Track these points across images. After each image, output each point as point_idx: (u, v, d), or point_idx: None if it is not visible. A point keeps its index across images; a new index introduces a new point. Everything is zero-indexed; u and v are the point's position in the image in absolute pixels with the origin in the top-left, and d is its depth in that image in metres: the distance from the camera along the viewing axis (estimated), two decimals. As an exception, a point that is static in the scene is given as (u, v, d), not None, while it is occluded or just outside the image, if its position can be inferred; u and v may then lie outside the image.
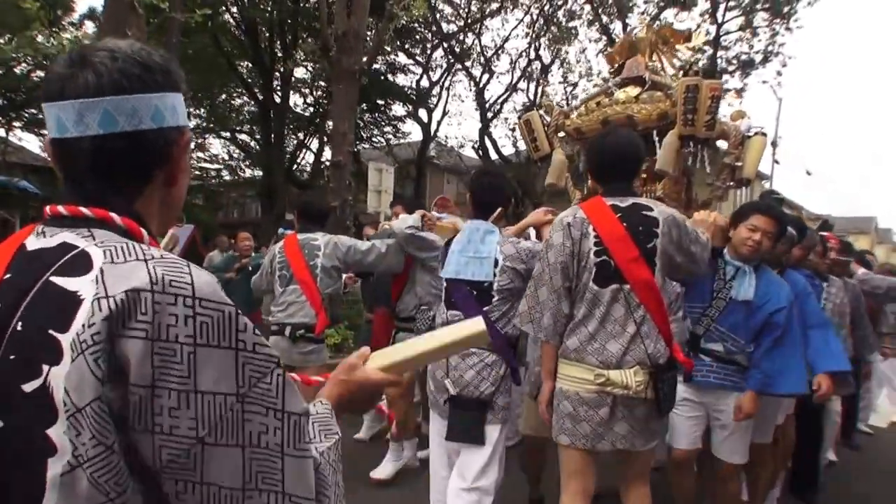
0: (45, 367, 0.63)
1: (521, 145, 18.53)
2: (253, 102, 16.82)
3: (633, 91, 4.02)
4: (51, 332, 0.64)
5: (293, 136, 18.20)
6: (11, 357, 0.65)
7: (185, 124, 0.82)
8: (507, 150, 19.00)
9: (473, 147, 19.46)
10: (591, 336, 2.14)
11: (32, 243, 0.73)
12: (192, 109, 15.09)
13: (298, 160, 18.82)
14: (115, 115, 0.73)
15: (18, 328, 0.66)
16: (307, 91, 17.65)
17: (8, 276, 0.70)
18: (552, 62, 17.70)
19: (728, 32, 14.91)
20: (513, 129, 18.50)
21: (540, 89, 17.23)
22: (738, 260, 2.71)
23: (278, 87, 15.97)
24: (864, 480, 4.30)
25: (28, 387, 0.63)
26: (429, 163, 19.62)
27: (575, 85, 17.54)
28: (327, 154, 13.68)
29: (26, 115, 14.77)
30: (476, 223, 2.63)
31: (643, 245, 2.12)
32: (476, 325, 1.01)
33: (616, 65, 4.31)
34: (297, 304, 3.29)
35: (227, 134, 18.69)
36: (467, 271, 2.52)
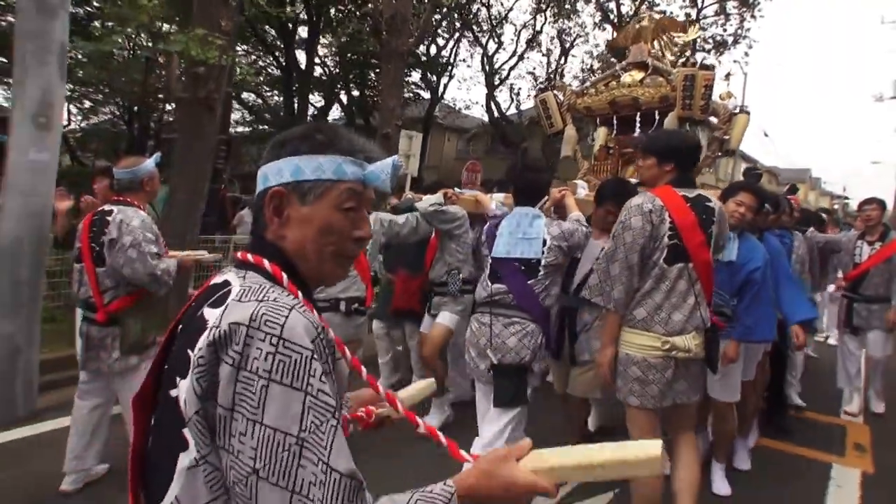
0: (179, 380, 0.73)
1: (524, 107, 18.80)
2: (275, 64, 16.65)
3: (637, 75, 4.43)
4: (188, 351, 0.73)
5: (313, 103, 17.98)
6: (166, 367, 0.79)
7: (287, 181, 0.85)
8: (511, 112, 19.28)
9: (482, 106, 19.63)
10: (658, 307, 2.33)
11: (215, 279, 0.85)
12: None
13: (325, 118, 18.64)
14: (259, 179, 0.90)
15: (174, 347, 0.78)
16: (331, 57, 17.46)
17: (193, 304, 0.83)
18: (568, 49, 17.87)
19: (705, 17, 16.93)
20: (517, 94, 19.14)
21: (554, 69, 17.59)
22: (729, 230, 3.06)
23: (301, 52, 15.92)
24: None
25: (173, 392, 0.73)
26: (433, 122, 19.76)
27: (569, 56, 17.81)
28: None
29: None
30: (524, 209, 2.84)
31: (706, 230, 2.37)
32: (651, 450, 0.81)
33: (616, 49, 4.70)
34: (349, 278, 3.22)
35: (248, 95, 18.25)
36: (517, 250, 2.75)
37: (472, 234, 3.83)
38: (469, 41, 18.38)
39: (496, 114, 18.46)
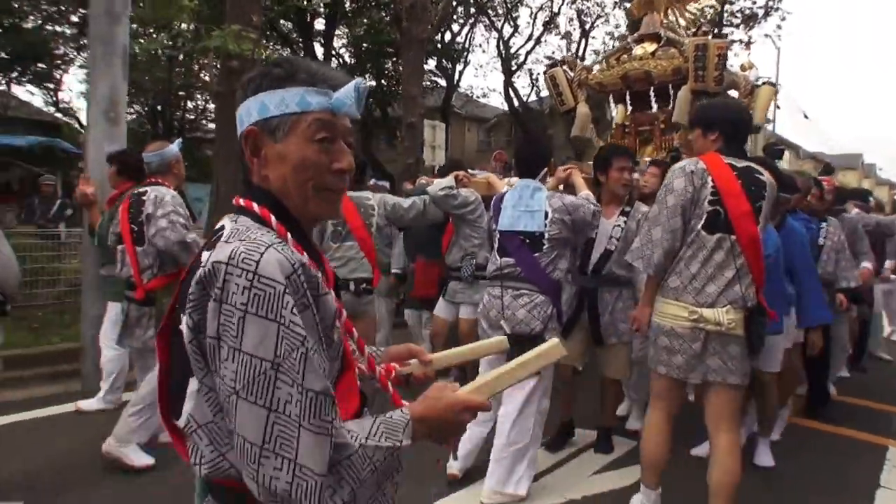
0: (183, 316, 0.79)
1: (544, 94, 18.41)
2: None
3: (650, 47, 4.22)
4: (189, 290, 0.79)
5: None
6: (177, 306, 0.84)
7: (255, 119, 0.86)
8: (531, 99, 18.91)
9: (500, 94, 19.29)
10: (693, 277, 2.23)
11: (217, 225, 0.89)
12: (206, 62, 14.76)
13: None
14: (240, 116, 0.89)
15: (183, 287, 0.83)
16: (346, 49, 17.38)
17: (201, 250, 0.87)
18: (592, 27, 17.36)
19: (734, -12, 15.61)
20: (536, 80, 18.43)
21: (574, 52, 17.02)
22: None
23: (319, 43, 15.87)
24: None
25: (182, 326, 0.79)
26: (451, 112, 19.58)
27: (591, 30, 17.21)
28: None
29: (32, 69, 14.30)
30: (525, 181, 2.81)
31: (754, 203, 2.21)
32: (551, 343, 1.07)
33: (634, 22, 4.50)
34: (356, 259, 3.30)
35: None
36: (520, 223, 2.71)
37: (487, 217, 3.68)
38: (485, 25, 17.98)
39: (515, 101, 18.12)
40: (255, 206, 0.86)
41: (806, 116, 23.45)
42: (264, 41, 15.73)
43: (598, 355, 3.17)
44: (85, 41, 15.52)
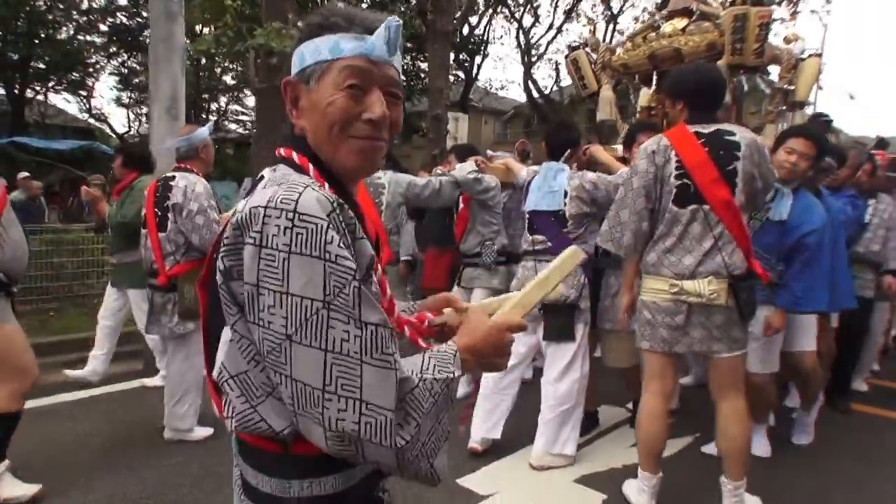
0: (218, 262, 0.74)
1: (564, 84, 17.77)
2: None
3: (679, 23, 3.77)
4: (224, 236, 0.75)
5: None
6: (215, 255, 0.78)
7: (294, 72, 0.83)
8: (551, 90, 18.32)
9: (518, 85, 18.78)
10: (668, 251, 2.18)
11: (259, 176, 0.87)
12: (228, 65, 14.79)
13: None
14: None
15: (220, 235, 0.78)
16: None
17: None
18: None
19: (775, -42, 13.99)
20: (556, 70, 17.83)
21: (589, 31, 16.27)
22: (777, 182, 2.58)
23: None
24: None
25: (217, 277, 0.74)
26: (469, 105, 19.19)
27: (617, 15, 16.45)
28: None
29: (67, 78, 14.70)
30: (550, 164, 2.90)
31: (723, 167, 2.10)
32: (570, 250, 1.02)
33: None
34: None
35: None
36: (543, 203, 2.83)
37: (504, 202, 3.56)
38: (505, 17, 17.43)
39: (535, 93, 17.60)
40: (295, 155, 0.83)
41: (852, 97, 22.16)
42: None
43: (604, 342, 3.12)
44: (114, 49, 15.85)
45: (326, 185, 0.78)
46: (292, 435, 0.74)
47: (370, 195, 3.21)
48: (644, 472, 2.34)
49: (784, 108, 3.64)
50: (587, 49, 4.06)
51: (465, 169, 3.30)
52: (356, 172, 0.86)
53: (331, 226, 0.69)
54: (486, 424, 2.81)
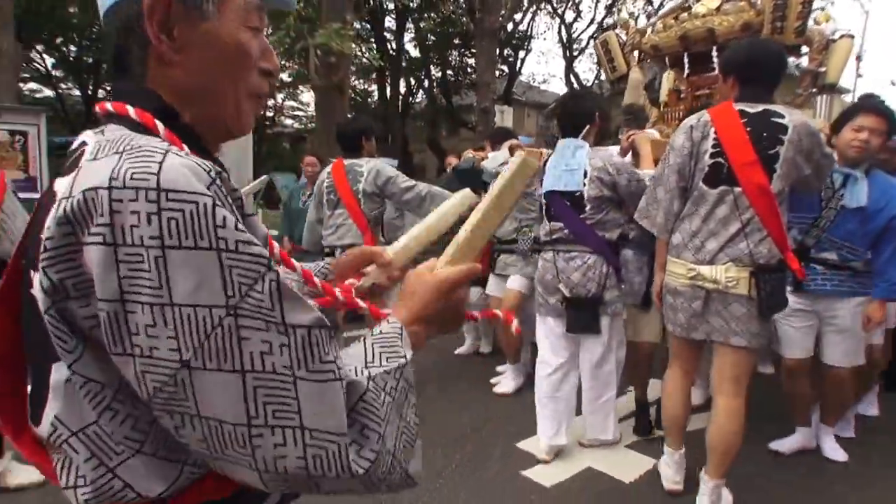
0: (33, 273, 0.51)
1: (604, 76, 17.21)
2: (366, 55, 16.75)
3: (712, 3, 3.55)
4: (40, 236, 0.50)
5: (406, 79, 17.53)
6: (23, 262, 0.56)
7: None
8: (592, 83, 17.81)
9: (560, 79, 18.46)
10: (693, 233, 2.03)
11: (74, 145, 0.59)
12: (284, 63, 15.13)
13: (411, 100, 18.16)
14: None
15: (31, 234, 0.56)
16: (413, 43, 17.07)
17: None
18: None
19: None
20: (597, 63, 17.35)
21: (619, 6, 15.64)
22: (847, 166, 2.39)
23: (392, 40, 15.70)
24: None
25: (33, 292, 0.52)
26: (513, 99, 18.89)
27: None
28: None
29: None
30: (567, 140, 2.55)
31: (764, 150, 1.91)
32: (519, 156, 0.80)
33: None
34: (345, 226, 3.14)
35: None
36: (560, 183, 2.49)
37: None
38: (548, 13, 17.10)
39: (576, 85, 17.16)
40: (131, 110, 0.56)
41: (894, 83, 20.37)
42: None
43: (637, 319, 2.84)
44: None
45: (186, 148, 0.56)
46: (178, 492, 0.54)
47: (349, 182, 3.13)
48: (668, 449, 2.27)
49: (815, 90, 3.36)
50: (617, 31, 3.87)
51: (496, 160, 3.12)
52: (244, 130, 0.65)
53: (217, 202, 0.48)
54: (549, 431, 2.59)
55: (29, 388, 0.58)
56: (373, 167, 3.15)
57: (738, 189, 1.94)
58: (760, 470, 2.53)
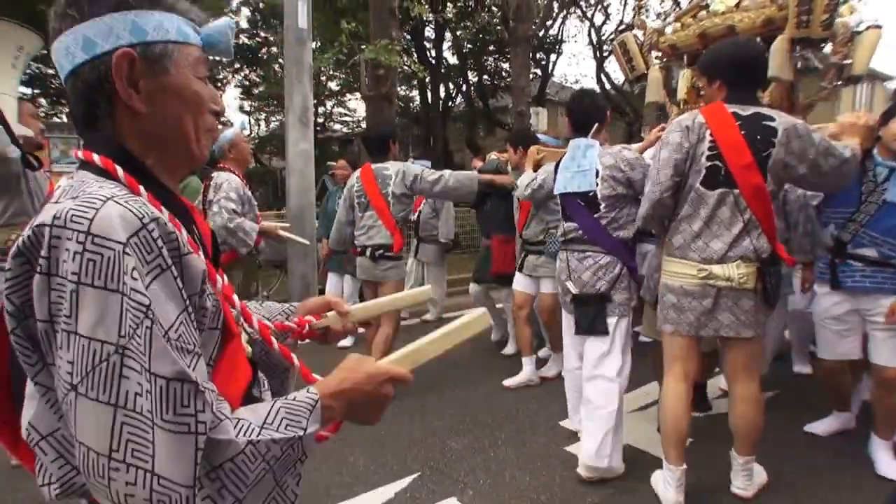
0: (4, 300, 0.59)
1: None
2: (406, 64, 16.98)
3: (732, 0, 3.46)
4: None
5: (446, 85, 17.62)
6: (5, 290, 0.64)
7: (129, 42, 0.63)
8: (621, 83, 17.42)
9: (592, 79, 18.21)
10: (696, 235, 2.03)
11: None
12: (333, 73, 15.51)
13: (450, 104, 18.31)
14: (59, 59, 0.65)
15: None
16: (450, 51, 17.21)
17: None
18: None
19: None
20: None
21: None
22: (892, 159, 2.33)
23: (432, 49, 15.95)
24: None
25: (7, 321, 0.59)
26: (546, 100, 18.68)
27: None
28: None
29: None
30: (577, 140, 2.50)
31: (759, 153, 1.94)
32: (476, 312, 0.89)
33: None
34: (374, 227, 3.21)
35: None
36: (573, 184, 2.45)
37: None
38: (578, 17, 16.92)
39: (607, 85, 16.82)
40: (96, 157, 0.64)
41: None
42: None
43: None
44: (238, 65, 17.28)
45: (143, 189, 0.64)
46: None
47: (378, 185, 3.21)
48: (669, 465, 2.12)
49: (839, 83, 3.21)
50: (635, 31, 3.82)
51: (523, 184, 3.11)
52: (193, 167, 0.74)
53: (128, 250, 0.54)
54: (576, 418, 2.58)
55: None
56: (399, 169, 3.25)
57: (736, 191, 1.96)
58: (797, 453, 2.52)
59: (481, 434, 2.80)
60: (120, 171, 0.63)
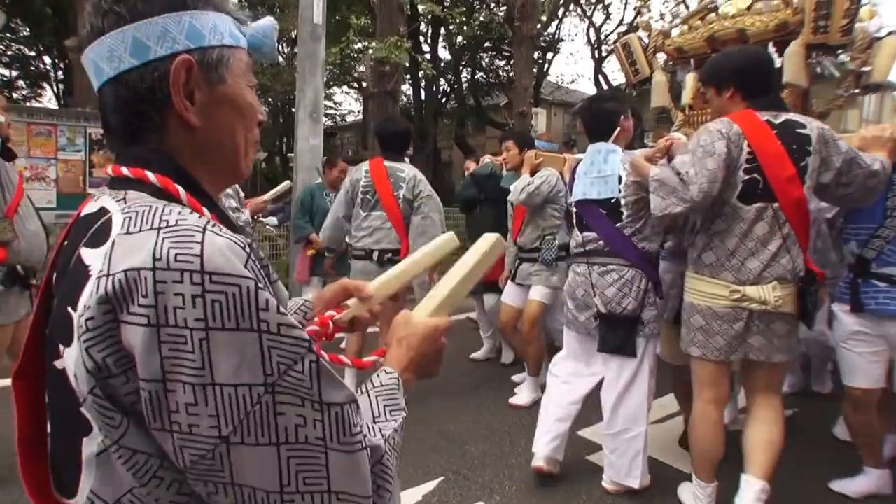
0: (63, 348, 0.51)
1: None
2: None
3: (743, 2, 3.20)
4: (69, 308, 0.50)
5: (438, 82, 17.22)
6: (48, 332, 0.55)
7: (187, 47, 0.56)
8: (619, 83, 17.17)
9: (589, 80, 17.96)
10: (731, 253, 1.85)
11: (87, 208, 0.58)
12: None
13: (445, 101, 17.85)
14: (98, 62, 0.57)
15: (55, 303, 0.54)
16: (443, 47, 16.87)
17: (65, 243, 0.58)
18: None
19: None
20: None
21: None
22: None
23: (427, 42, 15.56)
24: None
25: (58, 364, 0.52)
26: (541, 100, 18.40)
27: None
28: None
29: None
30: (597, 145, 2.31)
31: (797, 164, 1.78)
32: (489, 237, 0.87)
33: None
34: (383, 230, 2.90)
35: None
36: (593, 191, 2.26)
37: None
38: (578, 15, 16.59)
39: (604, 85, 16.54)
40: (152, 175, 0.56)
41: None
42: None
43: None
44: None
45: (206, 210, 0.57)
46: None
47: (391, 185, 2.94)
48: (699, 481, 2.00)
49: (857, 91, 2.98)
50: (639, 33, 3.56)
51: (517, 189, 2.93)
52: (238, 181, 0.69)
53: (259, 284, 0.48)
54: (541, 441, 2.38)
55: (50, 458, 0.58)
56: (414, 175, 3.00)
57: (775, 204, 1.79)
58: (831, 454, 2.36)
59: (499, 440, 2.76)
60: (182, 191, 0.57)
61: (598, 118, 2.33)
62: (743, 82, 1.87)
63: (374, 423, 0.60)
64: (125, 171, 0.57)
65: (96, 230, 0.52)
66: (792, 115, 1.85)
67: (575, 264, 2.36)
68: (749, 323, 1.84)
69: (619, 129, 2.29)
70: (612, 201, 2.21)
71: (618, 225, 2.20)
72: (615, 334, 2.20)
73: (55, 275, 0.57)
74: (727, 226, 1.85)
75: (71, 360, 0.50)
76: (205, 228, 0.49)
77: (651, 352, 2.24)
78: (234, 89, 0.60)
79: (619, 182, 2.19)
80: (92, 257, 0.50)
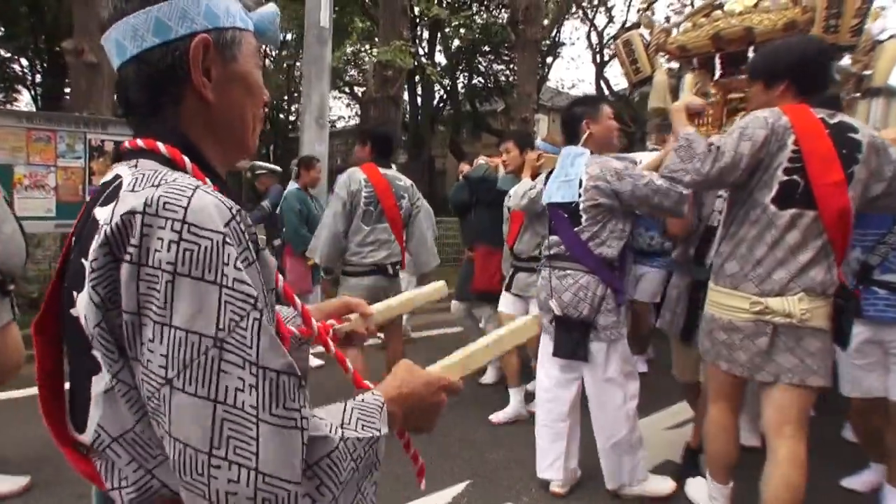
0: (76, 294, 0.55)
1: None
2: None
3: (749, 0, 3.03)
4: (82, 260, 0.54)
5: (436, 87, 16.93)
6: (65, 286, 0.59)
7: (204, 27, 0.60)
8: (621, 88, 16.96)
9: (590, 84, 17.71)
10: (758, 262, 1.66)
11: (104, 178, 0.63)
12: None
13: (441, 106, 17.46)
14: (121, 40, 0.60)
15: (70, 259, 0.59)
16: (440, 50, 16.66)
17: (84, 211, 0.62)
18: None
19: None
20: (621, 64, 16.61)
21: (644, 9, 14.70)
22: None
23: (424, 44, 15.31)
24: None
25: (73, 312, 0.56)
26: (540, 106, 18.20)
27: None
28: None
29: None
30: (568, 149, 2.23)
31: (845, 170, 1.58)
32: (528, 318, 0.87)
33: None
34: (389, 242, 2.75)
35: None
36: (558, 195, 2.19)
37: None
38: (580, 18, 16.31)
39: (606, 91, 16.33)
40: (162, 146, 0.59)
41: None
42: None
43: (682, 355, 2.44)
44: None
45: (209, 182, 0.59)
46: None
47: (394, 196, 2.80)
48: (715, 483, 1.91)
49: (858, 94, 2.82)
50: (641, 31, 3.38)
51: (518, 195, 2.76)
52: (244, 157, 0.72)
53: (228, 240, 0.51)
54: (542, 463, 2.30)
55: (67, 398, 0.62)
56: (411, 185, 2.89)
57: (813, 212, 1.59)
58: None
59: (518, 447, 2.69)
60: (188, 161, 0.60)
61: (567, 122, 2.27)
62: (799, 76, 1.67)
63: (342, 427, 0.57)
64: (139, 142, 0.61)
65: (109, 192, 0.56)
66: (846, 117, 1.66)
67: (542, 268, 2.32)
68: (774, 339, 1.65)
69: (587, 132, 2.19)
70: (573, 205, 2.14)
71: (576, 229, 2.14)
72: (569, 338, 2.15)
73: (74, 237, 0.60)
74: (757, 232, 1.66)
75: (82, 303, 0.53)
76: (197, 187, 0.53)
77: (616, 358, 2.14)
78: (245, 68, 0.64)
79: (580, 185, 2.11)
80: (102, 213, 0.54)
